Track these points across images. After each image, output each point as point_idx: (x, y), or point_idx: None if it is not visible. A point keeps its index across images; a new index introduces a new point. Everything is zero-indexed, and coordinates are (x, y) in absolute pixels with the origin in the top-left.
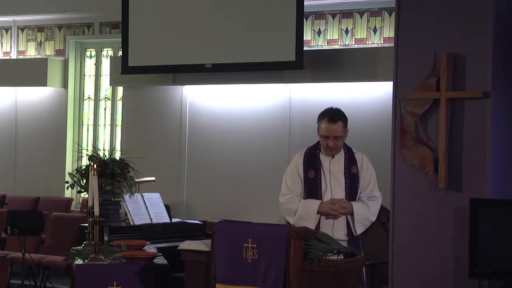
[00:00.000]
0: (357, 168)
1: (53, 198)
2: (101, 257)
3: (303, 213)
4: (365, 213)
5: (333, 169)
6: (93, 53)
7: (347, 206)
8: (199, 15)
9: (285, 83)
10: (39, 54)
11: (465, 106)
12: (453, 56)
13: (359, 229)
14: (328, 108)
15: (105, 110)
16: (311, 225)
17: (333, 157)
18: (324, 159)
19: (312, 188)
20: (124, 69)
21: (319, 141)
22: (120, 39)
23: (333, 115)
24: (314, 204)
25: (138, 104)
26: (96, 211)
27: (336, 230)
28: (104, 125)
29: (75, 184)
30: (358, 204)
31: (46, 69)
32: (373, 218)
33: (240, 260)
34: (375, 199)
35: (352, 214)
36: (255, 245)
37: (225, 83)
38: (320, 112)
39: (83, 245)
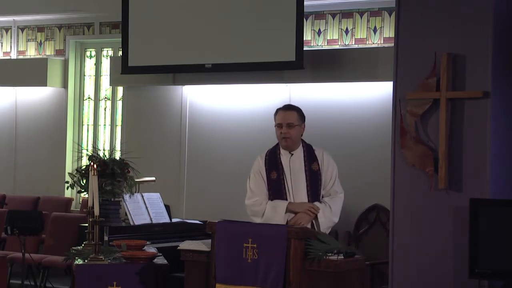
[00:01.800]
0: (318, 165)
1: (53, 198)
2: (101, 257)
3: (271, 214)
4: (329, 216)
5: (293, 168)
6: (93, 53)
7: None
8: (199, 15)
9: (285, 83)
10: (39, 54)
11: (465, 106)
12: (453, 56)
13: (323, 229)
14: (285, 104)
15: (105, 110)
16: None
17: (292, 155)
18: (284, 159)
19: (276, 189)
20: (124, 69)
21: (278, 143)
22: (120, 39)
23: (287, 105)
24: (282, 204)
25: (138, 104)
26: (96, 211)
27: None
28: (104, 125)
29: (75, 184)
30: (320, 205)
31: (46, 69)
32: (336, 219)
33: (240, 260)
34: (336, 196)
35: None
36: (255, 245)
37: (225, 83)
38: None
39: (83, 245)
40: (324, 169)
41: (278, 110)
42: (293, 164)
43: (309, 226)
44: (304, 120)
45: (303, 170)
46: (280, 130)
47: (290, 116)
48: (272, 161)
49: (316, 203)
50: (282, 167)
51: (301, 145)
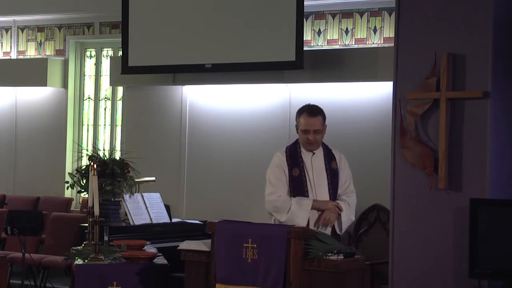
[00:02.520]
0: (337, 164)
1: (53, 198)
2: (101, 257)
3: (297, 210)
4: (349, 214)
5: (315, 166)
6: (93, 53)
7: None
8: (199, 15)
9: (285, 83)
10: (39, 54)
11: (465, 106)
12: (453, 56)
13: (343, 228)
14: (306, 105)
15: (105, 110)
16: (304, 222)
17: (313, 153)
18: (305, 156)
19: (297, 186)
20: (124, 69)
21: (297, 140)
22: (120, 39)
23: (312, 110)
24: (307, 201)
25: (138, 104)
26: (96, 211)
27: (322, 228)
28: (104, 125)
29: (75, 184)
30: (342, 203)
31: (46, 69)
32: (353, 217)
33: (240, 260)
34: (352, 195)
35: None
36: (255, 245)
37: (225, 83)
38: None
39: (83, 245)
40: (342, 168)
41: (302, 112)
42: (315, 163)
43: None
44: (325, 120)
45: (324, 168)
46: (306, 135)
47: (316, 122)
48: (294, 158)
49: (338, 201)
50: (303, 165)
51: (321, 144)
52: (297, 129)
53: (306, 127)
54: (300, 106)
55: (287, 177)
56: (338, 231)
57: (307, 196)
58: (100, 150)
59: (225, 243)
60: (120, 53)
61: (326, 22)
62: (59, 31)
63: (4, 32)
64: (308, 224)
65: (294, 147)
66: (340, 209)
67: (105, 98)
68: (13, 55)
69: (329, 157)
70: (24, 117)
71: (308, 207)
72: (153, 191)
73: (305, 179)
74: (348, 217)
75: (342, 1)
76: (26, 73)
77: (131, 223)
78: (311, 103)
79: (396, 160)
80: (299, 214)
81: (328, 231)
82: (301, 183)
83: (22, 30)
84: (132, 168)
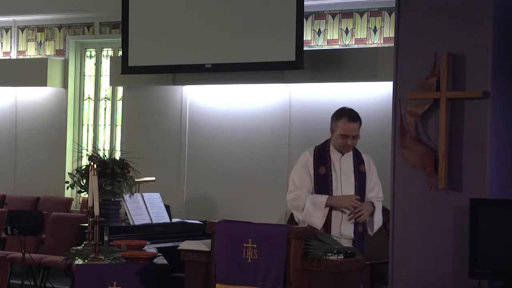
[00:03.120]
0: (365, 167)
1: (53, 198)
2: (101, 257)
3: (311, 209)
4: (379, 214)
5: (343, 167)
6: (93, 53)
7: (368, 209)
8: (199, 15)
9: (285, 83)
10: (39, 54)
11: (465, 106)
12: (453, 56)
13: (375, 229)
14: (343, 108)
15: (105, 110)
16: (320, 221)
17: (343, 154)
18: (334, 157)
19: (322, 185)
20: (124, 69)
21: (327, 141)
22: (120, 39)
23: (352, 115)
24: (321, 198)
25: (138, 104)
26: (96, 211)
27: (344, 227)
28: (104, 125)
29: (75, 184)
30: (377, 204)
31: (46, 69)
32: (381, 222)
33: (240, 260)
34: (380, 200)
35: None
36: (255, 245)
37: (225, 83)
38: (334, 112)
39: (83, 245)
40: (371, 172)
41: (341, 116)
42: (343, 164)
43: (352, 220)
44: None
45: (352, 170)
46: (344, 140)
47: (356, 127)
48: (322, 157)
49: (373, 201)
50: (331, 164)
51: None
52: (332, 130)
53: (346, 132)
54: (300, 106)
55: (312, 177)
56: (369, 232)
57: (331, 195)
58: (100, 150)
59: (225, 243)
60: (120, 53)
61: (326, 22)
62: (59, 31)
63: (4, 32)
64: (329, 223)
65: (323, 147)
66: (357, 202)
67: (105, 98)
68: (13, 55)
69: (358, 160)
70: (24, 117)
71: (322, 205)
72: (153, 191)
73: (331, 178)
74: (379, 218)
75: (342, 1)
76: (26, 73)
77: (131, 223)
78: (310, 103)
79: (396, 160)
80: (314, 212)
81: (350, 231)
82: (326, 182)
83: (22, 30)
84: (132, 168)
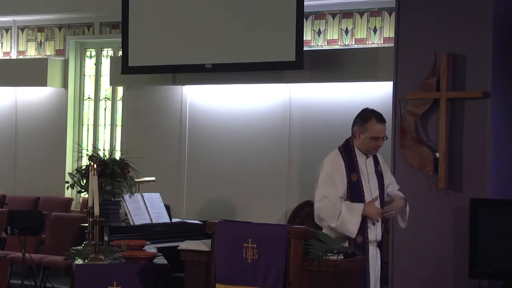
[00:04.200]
0: (381, 166)
1: (53, 198)
2: (101, 257)
3: (347, 215)
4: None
5: (369, 171)
6: (93, 53)
7: (399, 206)
8: (199, 15)
9: (285, 83)
10: (39, 54)
11: (465, 106)
12: (453, 56)
13: (406, 222)
14: (367, 109)
15: (105, 110)
16: (356, 228)
17: (367, 157)
18: (360, 161)
19: (355, 192)
20: (124, 69)
21: (348, 141)
22: (120, 39)
23: (380, 116)
24: (358, 206)
25: (138, 104)
26: (96, 211)
27: (372, 232)
28: (104, 125)
29: (75, 184)
30: (403, 198)
31: (46, 69)
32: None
33: (240, 260)
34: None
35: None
36: (255, 245)
37: (225, 83)
38: (357, 114)
39: (83, 245)
40: (385, 169)
41: (369, 118)
42: (369, 167)
43: (379, 223)
44: None
45: (374, 172)
46: (376, 142)
47: (385, 128)
48: (350, 162)
49: (400, 195)
50: (359, 170)
51: None
52: (359, 133)
53: (378, 134)
54: (300, 106)
55: (345, 182)
56: (401, 225)
57: (363, 202)
58: (100, 150)
59: (225, 243)
60: (120, 53)
61: (326, 22)
62: (59, 31)
63: (4, 32)
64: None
65: (348, 149)
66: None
67: (105, 98)
68: (13, 55)
69: (376, 161)
70: (24, 117)
71: (359, 213)
72: (153, 191)
73: (362, 184)
74: (408, 210)
75: (342, 1)
76: (26, 73)
77: (131, 223)
78: (310, 103)
79: (396, 160)
80: (350, 220)
81: (380, 234)
82: (359, 189)
83: (22, 30)
84: (132, 168)
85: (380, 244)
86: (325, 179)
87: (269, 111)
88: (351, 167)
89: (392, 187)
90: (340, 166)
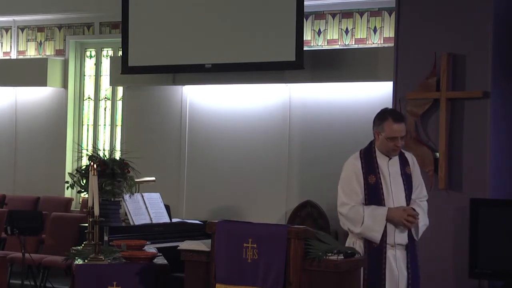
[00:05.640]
0: (410, 168)
1: (53, 198)
2: (101, 257)
3: (371, 223)
4: (424, 218)
5: (392, 172)
6: (93, 53)
7: (415, 215)
8: (199, 15)
9: (285, 83)
10: (39, 54)
11: (465, 106)
12: (453, 56)
13: (420, 234)
14: (385, 109)
15: (105, 110)
16: (379, 235)
17: (390, 158)
18: (382, 163)
19: (373, 194)
20: (124, 69)
21: (371, 144)
22: (120, 39)
23: (397, 115)
24: (382, 211)
25: (138, 104)
26: (96, 211)
27: (398, 235)
28: (104, 125)
29: (75, 184)
30: (418, 209)
31: (46, 69)
32: (428, 222)
33: (240, 260)
34: (424, 199)
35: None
36: (255, 245)
37: (225, 83)
38: (376, 115)
39: (83, 245)
40: (414, 172)
41: (385, 118)
42: (391, 168)
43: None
44: None
45: (399, 174)
46: (393, 142)
47: (403, 128)
48: (369, 164)
49: (414, 206)
50: (379, 171)
51: None
52: (377, 134)
53: (395, 133)
54: (300, 106)
55: (362, 185)
56: (415, 237)
57: (383, 205)
58: (100, 150)
59: (225, 243)
60: (120, 53)
61: (326, 22)
62: (59, 31)
63: (4, 32)
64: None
65: (369, 151)
66: (415, 219)
67: (105, 98)
68: (13, 55)
69: (404, 162)
70: (24, 117)
71: (383, 218)
72: (153, 191)
73: (381, 187)
74: (424, 222)
75: (342, 1)
76: (26, 73)
77: (131, 223)
78: (310, 103)
79: None
80: (374, 226)
81: (404, 238)
82: (377, 191)
83: (22, 30)
84: (132, 168)
85: (408, 247)
86: (343, 184)
87: (269, 111)
88: (369, 168)
89: (417, 193)
90: (356, 168)
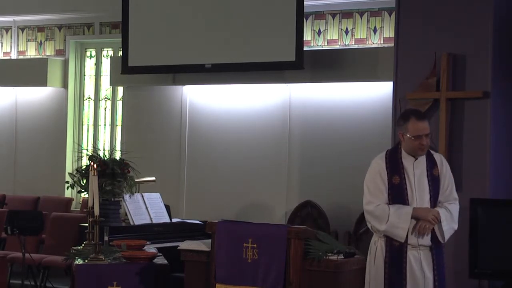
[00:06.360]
0: (438, 169)
1: (53, 198)
2: (101, 257)
3: (396, 220)
4: (450, 222)
5: (417, 173)
6: (93, 53)
7: (438, 218)
8: (199, 15)
9: (285, 83)
10: (39, 54)
11: (465, 106)
12: (453, 56)
13: (446, 238)
14: (407, 109)
15: (105, 110)
16: (405, 232)
17: (416, 159)
18: (407, 163)
19: (397, 195)
20: (124, 69)
21: (398, 145)
22: (120, 39)
23: (419, 114)
24: (407, 210)
25: (138, 104)
26: (96, 211)
27: (421, 236)
28: (104, 125)
29: (75, 184)
30: (442, 211)
31: (46, 69)
32: (456, 226)
33: (240, 260)
34: (454, 202)
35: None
36: (255, 245)
37: (225, 83)
38: (399, 116)
39: (83, 245)
40: (443, 173)
41: (408, 118)
42: (416, 169)
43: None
44: None
45: (425, 175)
46: (419, 141)
47: (426, 125)
48: (394, 165)
49: (437, 209)
50: (404, 172)
51: None
52: (402, 135)
53: (419, 132)
54: (300, 106)
55: (386, 185)
56: (441, 240)
57: (407, 205)
58: (100, 150)
59: (225, 243)
60: (120, 53)
61: (326, 22)
62: (59, 31)
63: (4, 32)
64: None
65: (394, 152)
66: (437, 219)
67: (105, 98)
68: (13, 55)
69: (431, 162)
70: (24, 117)
71: (408, 217)
72: (153, 191)
73: (405, 187)
74: (450, 225)
75: (342, 1)
76: (26, 73)
77: (131, 223)
78: (310, 103)
79: None
80: (399, 224)
81: (427, 239)
82: (401, 191)
83: (22, 30)
84: (132, 168)
85: (432, 249)
86: (368, 183)
87: (269, 111)
88: (394, 169)
89: (446, 195)
90: (381, 168)
